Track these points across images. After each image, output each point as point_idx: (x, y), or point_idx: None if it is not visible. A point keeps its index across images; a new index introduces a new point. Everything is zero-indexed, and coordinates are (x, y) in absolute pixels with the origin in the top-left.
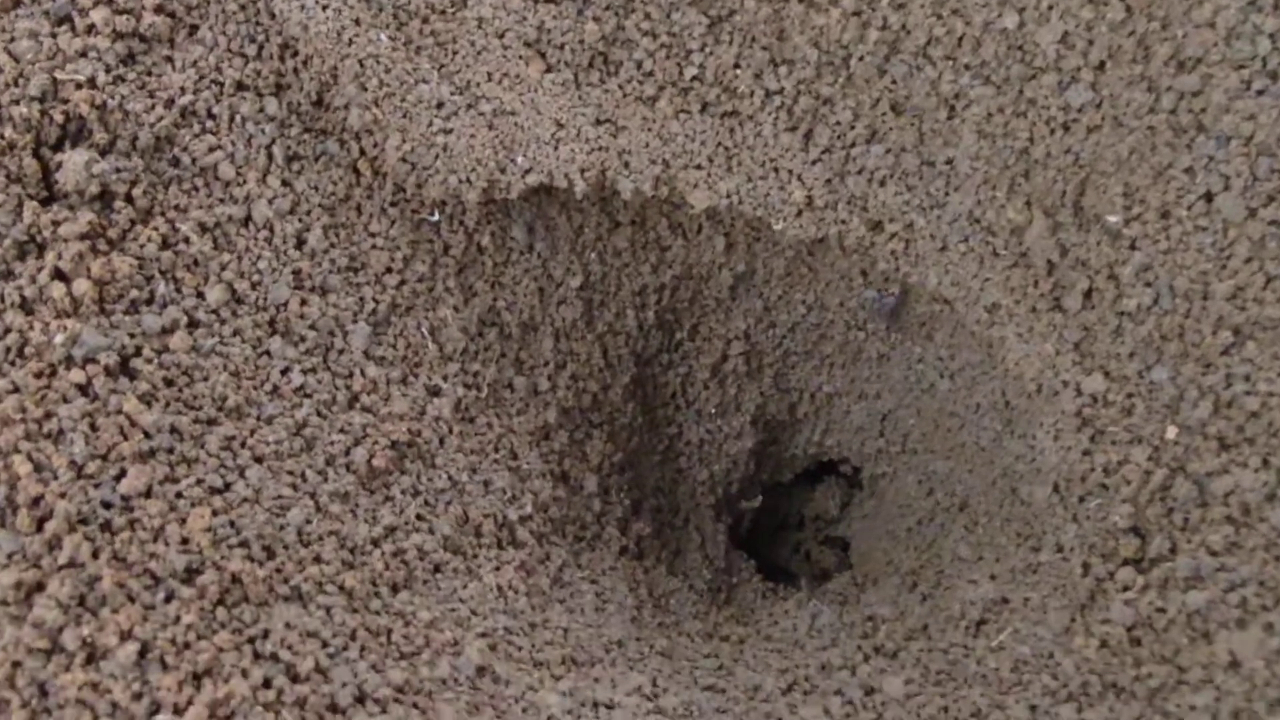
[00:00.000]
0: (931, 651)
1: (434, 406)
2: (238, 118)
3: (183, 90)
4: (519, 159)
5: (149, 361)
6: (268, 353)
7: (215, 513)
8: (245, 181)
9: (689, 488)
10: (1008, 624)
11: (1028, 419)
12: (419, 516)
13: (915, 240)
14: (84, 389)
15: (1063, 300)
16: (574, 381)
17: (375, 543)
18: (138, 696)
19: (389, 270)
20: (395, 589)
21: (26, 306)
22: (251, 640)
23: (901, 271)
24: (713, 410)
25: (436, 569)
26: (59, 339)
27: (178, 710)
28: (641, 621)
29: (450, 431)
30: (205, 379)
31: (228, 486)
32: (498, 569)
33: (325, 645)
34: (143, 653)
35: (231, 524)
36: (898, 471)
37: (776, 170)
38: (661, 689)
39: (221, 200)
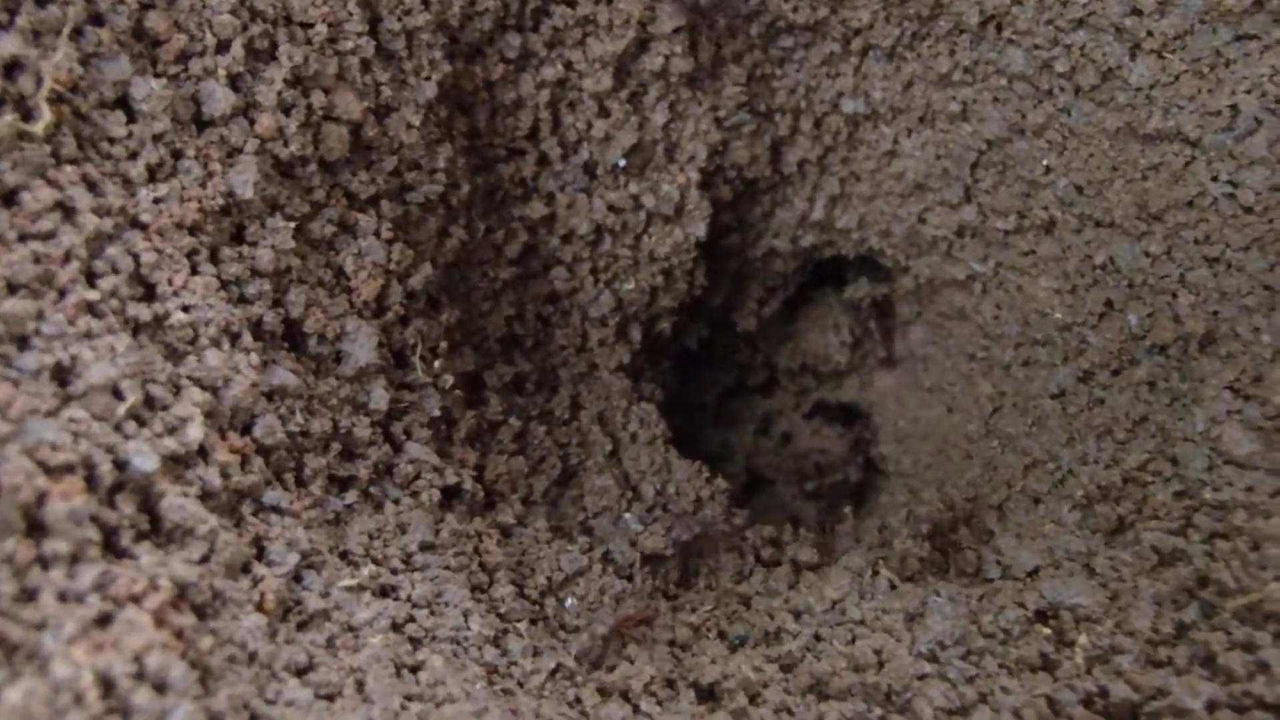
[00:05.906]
0: None
1: None
2: None
3: None
4: None
5: None
6: None
7: None
8: None
9: (574, 332)
10: None
11: None
12: None
13: None
14: None
15: None
16: (309, 80)
17: None
18: None
19: None
20: None
21: None
22: None
23: None
24: (620, 158)
25: None
26: None
27: None
28: (510, 675)
29: None
30: None
31: None
32: (85, 632)
33: None
34: None
35: None
36: (1005, 273)
37: None
38: None
39: None
